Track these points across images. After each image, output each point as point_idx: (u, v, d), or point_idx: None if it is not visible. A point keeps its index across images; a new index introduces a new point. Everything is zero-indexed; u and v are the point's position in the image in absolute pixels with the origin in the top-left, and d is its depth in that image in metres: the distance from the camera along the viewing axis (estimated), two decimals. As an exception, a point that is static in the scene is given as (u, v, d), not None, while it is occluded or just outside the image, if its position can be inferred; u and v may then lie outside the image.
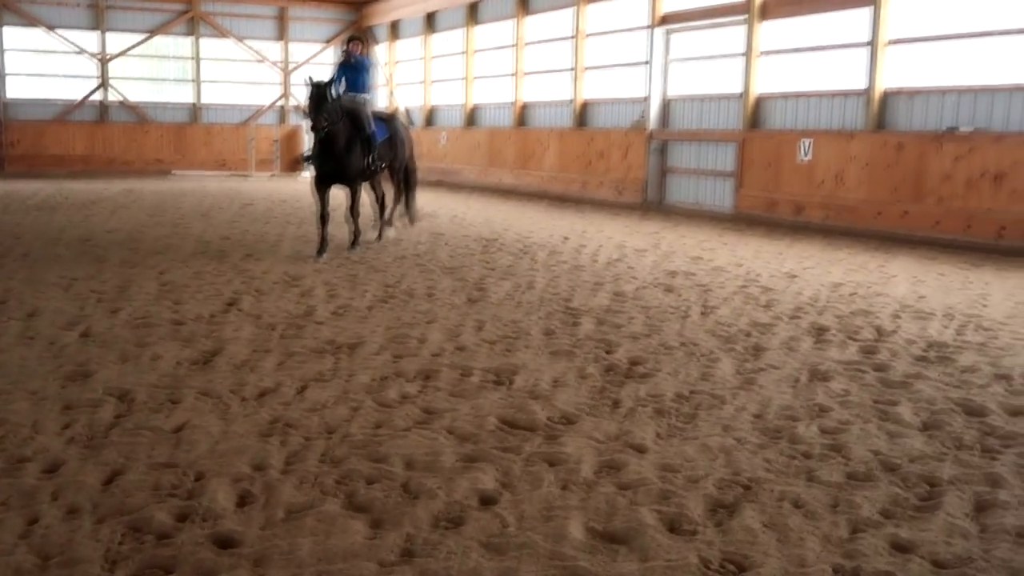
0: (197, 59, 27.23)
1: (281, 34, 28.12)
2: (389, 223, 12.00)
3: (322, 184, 10.53)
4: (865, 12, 13.16)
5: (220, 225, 13.30)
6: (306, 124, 10.34)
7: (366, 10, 28.35)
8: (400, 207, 12.36)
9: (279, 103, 28.47)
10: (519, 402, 4.99)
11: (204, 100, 27.53)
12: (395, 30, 27.25)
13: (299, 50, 28.34)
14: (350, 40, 11.46)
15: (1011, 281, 9.45)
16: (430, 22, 25.21)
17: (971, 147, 11.67)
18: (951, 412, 4.93)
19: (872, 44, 13.01)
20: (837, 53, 13.88)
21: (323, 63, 28.39)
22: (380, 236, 11.64)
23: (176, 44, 27.25)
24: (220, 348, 6.05)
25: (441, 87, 25.28)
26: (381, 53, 28.17)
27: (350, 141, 10.31)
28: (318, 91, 9.80)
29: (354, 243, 10.78)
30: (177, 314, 7.11)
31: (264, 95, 28.33)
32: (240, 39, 27.60)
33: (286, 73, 28.25)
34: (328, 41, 28.59)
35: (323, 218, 10.47)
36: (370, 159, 10.66)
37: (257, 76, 28.22)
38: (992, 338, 6.75)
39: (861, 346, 6.46)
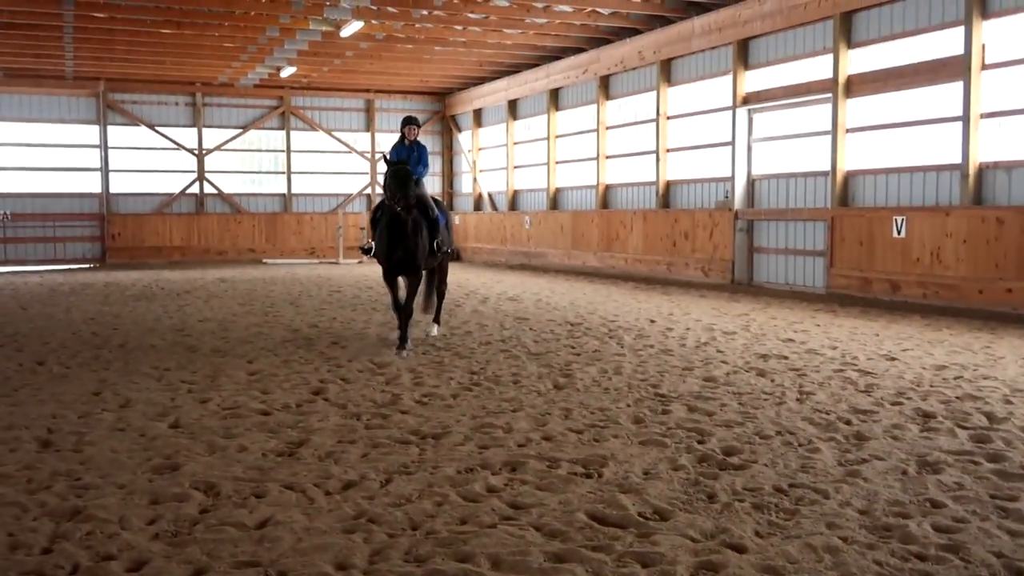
0: (288, 151, 28.21)
1: (368, 125, 28.97)
2: (437, 319, 11.18)
3: (392, 274, 10.06)
4: (956, 86, 12.87)
5: (308, 312, 13.50)
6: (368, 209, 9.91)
7: (450, 99, 29.06)
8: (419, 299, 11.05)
9: (366, 191, 29.18)
10: (609, 496, 4.80)
11: (295, 190, 28.41)
12: (478, 118, 27.81)
13: (386, 140, 29.09)
14: (406, 123, 10.58)
15: None
16: (512, 109, 25.67)
17: (1077, 220, 11.17)
18: (1079, 508, 4.56)
19: (965, 118, 12.68)
20: (928, 128, 13.57)
21: (409, 151, 29.12)
22: (438, 324, 11.11)
23: (269, 138, 28.29)
24: (306, 439, 6.02)
25: (524, 172, 25.58)
26: (465, 140, 28.75)
27: (417, 225, 9.79)
28: (405, 169, 9.57)
29: (402, 342, 9.67)
30: (264, 403, 7.14)
31: (352, 184, 29.11)
32: (329, 131, 28.52)
33: (373, 162, 28.99)
34: (414, 130, 29.28)
35: (400, 309, 9.94)
36: (436, 244, 10.19)
37: (345, 166, 29.06)
38: (1117, 424, 6.29)
39: (972, 434, 6.09)
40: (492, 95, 26.39)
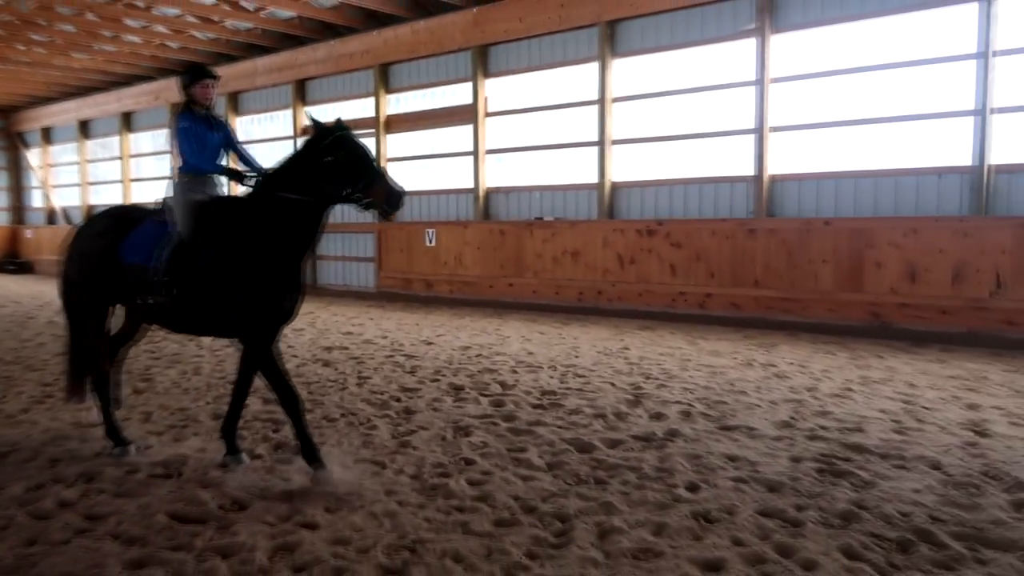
0: None
1: (-79, 138, 23.77)
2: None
3: (271, 332, 4.67)
4: (468, 128, 13.84)
5: None
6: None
7: (15, 116, 24.87)
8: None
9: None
10: (189, 493, 4.29)
11: None
12: (48, 136, 24.14)
13: (-57, 153, 24.16)
14: (198, 77, 4.93)
15: (591, 334, 10.18)
16: (84, 129, 22.68)
17: (554, 232, 12.59)
18: (567, 451, 5.02)
19: (475, 153, 13.68)
20: (453, 160, 14.42)
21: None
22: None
23: None
24: None
25: (101, 188, 22.72)
26: (34, 157, 24.81)
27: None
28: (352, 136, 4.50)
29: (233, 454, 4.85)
30: None
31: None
32: None
33: (-72, 176, 23.86)
34: (-25, 145, 24.66)
35: (291, 401, 4.61)
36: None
37: None
38: (587, 383, 7.11)
39: (491, 400, 6.48)
40: (62, 114, 23.05)
